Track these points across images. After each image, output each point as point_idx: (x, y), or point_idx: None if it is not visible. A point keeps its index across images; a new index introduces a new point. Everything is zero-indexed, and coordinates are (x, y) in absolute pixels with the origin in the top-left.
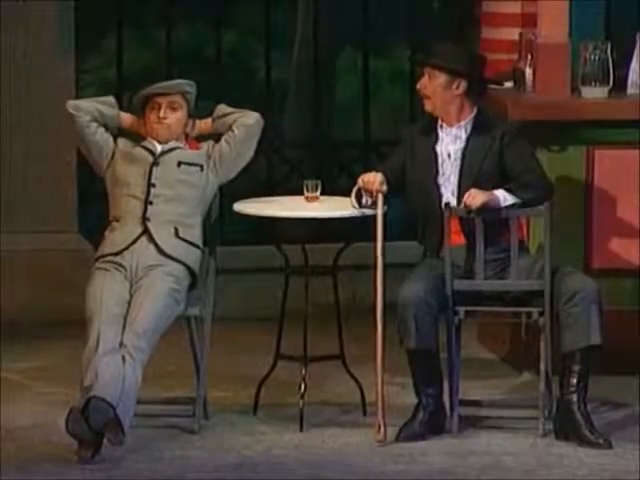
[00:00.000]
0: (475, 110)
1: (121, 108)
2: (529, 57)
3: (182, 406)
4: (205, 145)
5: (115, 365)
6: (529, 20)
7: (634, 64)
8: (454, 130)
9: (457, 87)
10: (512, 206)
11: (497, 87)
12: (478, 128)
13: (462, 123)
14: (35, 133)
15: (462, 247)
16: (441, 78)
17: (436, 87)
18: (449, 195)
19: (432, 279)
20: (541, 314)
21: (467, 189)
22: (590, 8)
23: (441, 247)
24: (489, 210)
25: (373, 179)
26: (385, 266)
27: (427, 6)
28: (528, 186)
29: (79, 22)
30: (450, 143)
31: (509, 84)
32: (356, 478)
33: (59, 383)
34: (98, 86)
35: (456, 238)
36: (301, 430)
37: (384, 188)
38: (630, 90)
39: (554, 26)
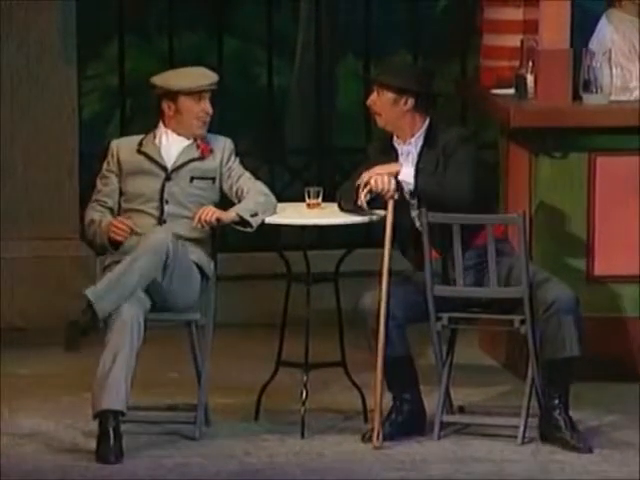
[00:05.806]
0: (427, 122)
1: (123, 113)
2: (530, 64)
3: (183, 413)
4: (219, 152)
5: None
6: (531, 27)
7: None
8: (405, 147)
9: (405, 103)
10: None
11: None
12: (428, 142)
13: (413, 138)
14: (37, 140)
15: (438, 260)
16: (389, 94)
17: (385, 103)
18: (415, 211)
19: (400, 291)
20: (523, 322)
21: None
22: (591, 15)
23: (417, 259)
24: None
25: (388, 186)
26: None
27: (428, 13)
28: (448, 183)
29: (81, 29)
30: (404, 160)
31: (511, 91)
32: None
33: (60, 389)
34: (100, 93)
35: (432, 253)
36: (302, 437)
37: (396, 195)
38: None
39: (555, 33)
